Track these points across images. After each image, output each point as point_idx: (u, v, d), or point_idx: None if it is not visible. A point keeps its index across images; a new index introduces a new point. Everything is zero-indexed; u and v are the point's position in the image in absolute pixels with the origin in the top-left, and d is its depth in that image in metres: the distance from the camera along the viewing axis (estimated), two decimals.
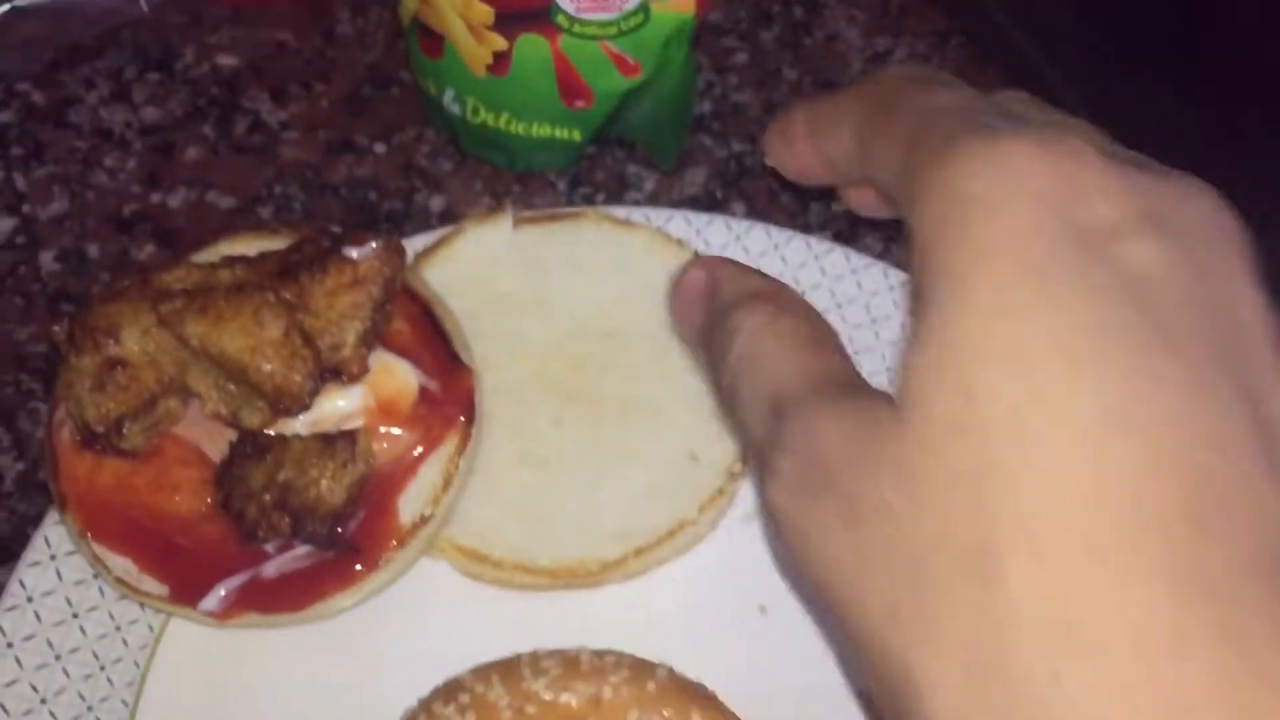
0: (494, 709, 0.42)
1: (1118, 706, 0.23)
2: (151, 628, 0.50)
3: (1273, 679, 0.22)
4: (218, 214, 0.64)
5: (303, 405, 0.47)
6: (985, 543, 0.24)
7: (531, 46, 0.60)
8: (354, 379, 0.48)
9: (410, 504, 0.48)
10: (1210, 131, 0.61)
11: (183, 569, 0.47)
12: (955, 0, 0.73)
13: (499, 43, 0.60)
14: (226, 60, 0.70)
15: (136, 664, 0.49)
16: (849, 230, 0.64)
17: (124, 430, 0.48)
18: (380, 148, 0.67)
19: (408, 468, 0.49)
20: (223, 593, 0.47)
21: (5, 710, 0.47)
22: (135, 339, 0.47)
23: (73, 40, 0.69)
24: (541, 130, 0.63)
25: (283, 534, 0.47)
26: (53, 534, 0.50)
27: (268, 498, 0.46)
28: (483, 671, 0.44)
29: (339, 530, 0.47)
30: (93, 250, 0.63)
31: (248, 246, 0.51)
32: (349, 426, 0.48)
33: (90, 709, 0.48)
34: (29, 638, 0.48)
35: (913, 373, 0.26)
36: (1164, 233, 0.26)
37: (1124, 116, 0.65)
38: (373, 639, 0.50)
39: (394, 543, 0.48)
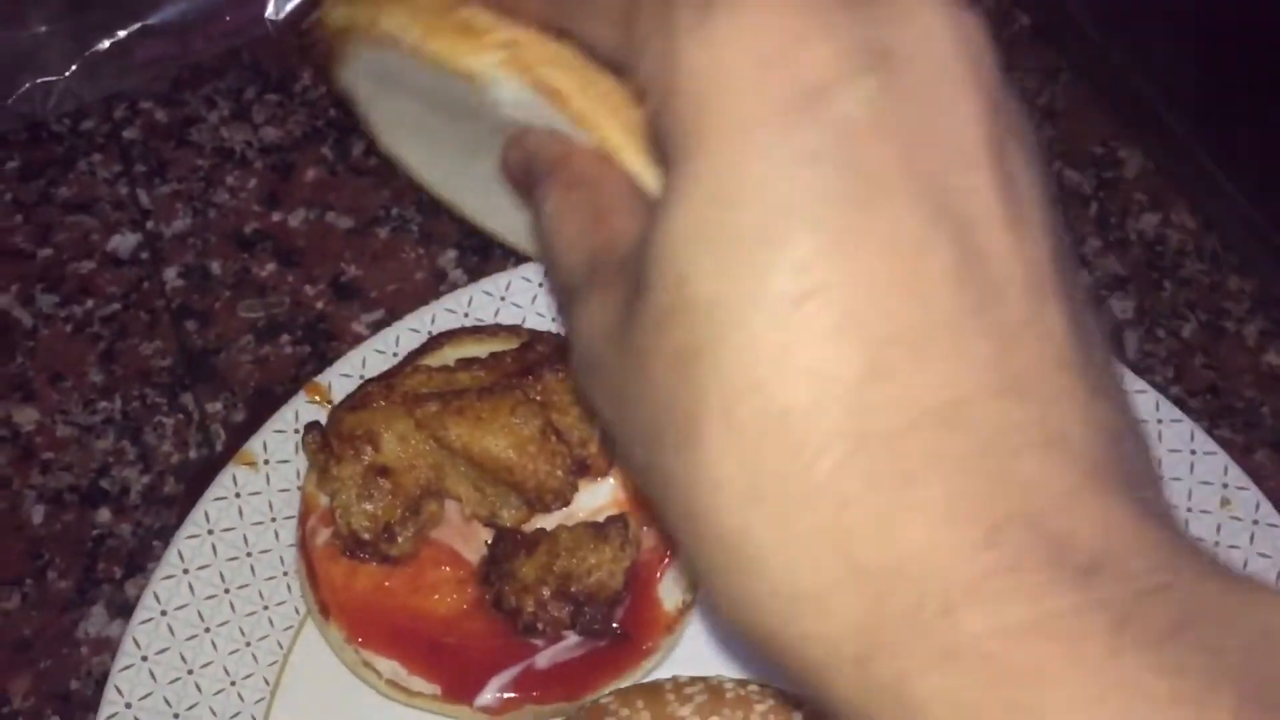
0: None
1: (796, 548, 0.24)
2: (281, 644, 0.50)
3: (928, 514, 0.24)
4: (336, 234, 0.65)
5: (564, 500, 0.49)
6: (692, 418, 0.25)
7: None
8: (602, 473, 0.50)
9: (670, 590, 0.50)
10: None
11: (452, 667, 0.49)
12: (1066, 37, 0.73)
13: None
14: None
15: (266, 680, 0.50)
16: None
17: (395, 536, 0.49)
18: None
19: (663, 556, 0.50)
20: (497, 687, 0.48)
21: (153, 676, 0.48)
22: (394, 445, 0.49)
23: (195, 59, 0.70)
24: None
25: (561, 625, 0.48)
26: (185, 548, 0.51)
27: (546, 590, 0.48)
28: (626, 696, 0.44)
29: (611, 619, 0.49)
30: (215, 267, 0.64)
31: (473, 349, 0.53)
32: (602, 518, 0.49)
33: None
34: (163, 650, 0.49)
35: (646, 256, 0.27)
36: (879, 70, 0.25)
37: (1239, 153, 0.65)
38: None
39: (663, 628, 0.49)
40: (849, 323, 0.24)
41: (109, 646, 0.53)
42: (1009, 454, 0.24)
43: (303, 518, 0.51)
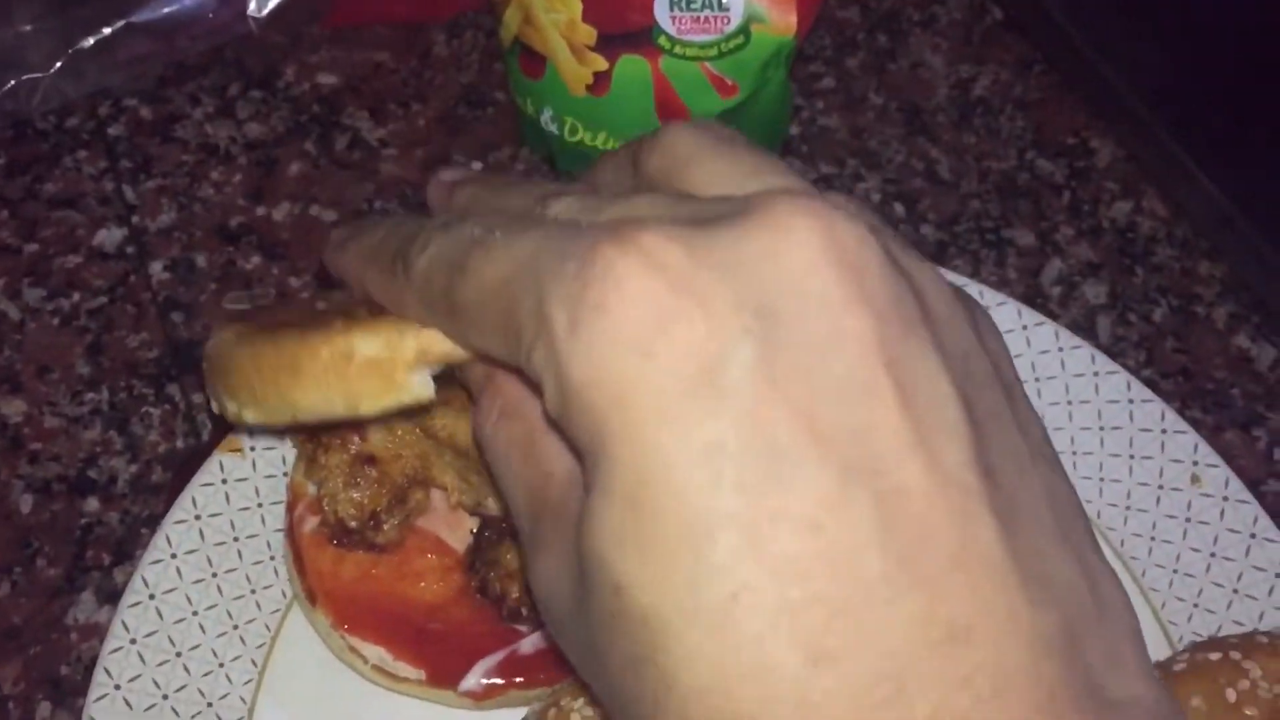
0: None
1: None
2: (268, 628, 0.51)
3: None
4: (320, 227, 0.66)
5: None
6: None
7: (632, 67, 0.61)
8: None
9: None
10: None
11: (438, 653, 0.49)
12: (1039, 29, 0.74)
13: (600, 63, 0.62)
14: (326, 79, 0.72)
15: (254, 663, 0.50)
16: (938, 254, 0.65)
17: (381, 524, 0.49)
18: (477, 165, 0.69)
19: None
20: (481, 673, 0.49)
21: (129, 705, 0.48)
22: (380, 434, 0.49)
23: (179, 57, 0.71)
24: None
25: None
26: (173, 534, 0.51)
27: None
28: None
29: None
30: (201, 260, 0.65)
31: None
32: None
33: (210, 705, 0.49)
34: (151, 633, 0.49)
35: (582, 550, 0.27)
36: (753, 328, 0.25)
37: (1209, 148, 0.66)
38: None
39: None
40: (779, 618, 0.24)
41: (98, 632, 0.53)
42: (953, 716, 0.24)
43: (290, 506, 0.52)
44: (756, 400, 0.24)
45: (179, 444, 0.59)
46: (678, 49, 0.61)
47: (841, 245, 0.26)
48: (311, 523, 0.51)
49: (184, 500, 0.52)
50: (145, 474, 0.58)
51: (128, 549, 0.56)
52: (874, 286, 0.25)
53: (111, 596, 0.54)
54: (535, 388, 0.28)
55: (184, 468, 0.56)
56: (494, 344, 0.29)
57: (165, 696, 0.49)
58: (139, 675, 0.49)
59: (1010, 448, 0.27)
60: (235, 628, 0.51)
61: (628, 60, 0.61)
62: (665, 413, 0.25)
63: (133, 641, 0.49)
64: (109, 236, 0.66)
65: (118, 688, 0.48)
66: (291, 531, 0.51)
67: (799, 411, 0.24)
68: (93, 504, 0.57)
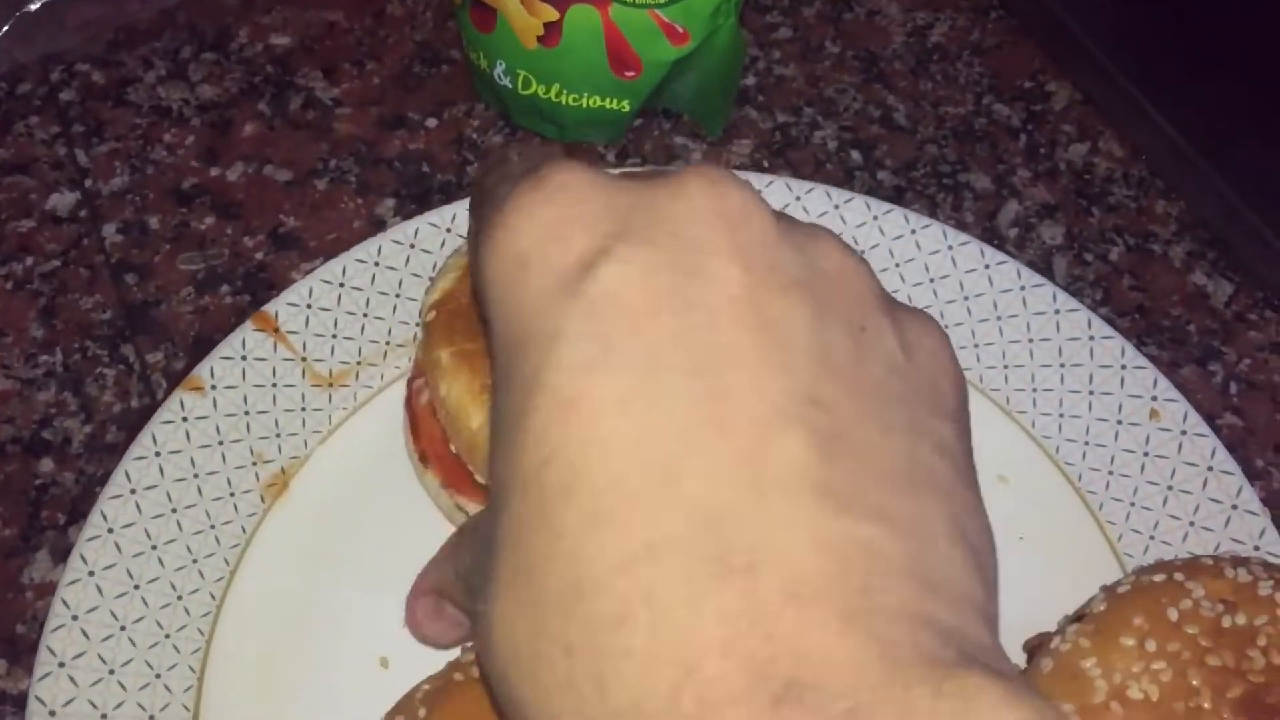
0: None
1: None
2: (227, 562, 0.51)
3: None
4: (275, 187, 0.66)
5: None
6: (489, 575, 0.28)
7: (582, 17, 0.61)
8: None
9: None
10: (1256, 106, 0.62)
11: None
12: None
13: (550, 14, 0.61)
14: (279, 40, 0.71)
15: (212, 595, 0.50)
16: (895, 199, 0.65)
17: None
18: (432, 123, 0.68)
19: None
20: None
21: (86, 635, 0.48)
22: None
23: (130, 21, 0.71)
24: (591, 102, 0.64)
25: None
26: (133, 469, 0.52)
27: None
28: None
29: None
30: (154, 222, 0.64)
31: None
32: None
33: (168, 637, 0.49)
34: (110, 567, 0.50)
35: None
36: (637, 244, 0.27)
37: (1165, 88, 0.66)
38: None
39: None
40: (570, 481, 0.26)
41: (53, 591, 0.53)
42: (707, 584, 0.24)
43: (411, 378, 0.54)
44: (600, 305, 0.27)
45: (133, 404, 0.58)
46: None
47: (727, 202, 0.28)
48: (426, 396, 0.52)
49: (143, 437, 0.52)
50: (99, 434, 0.58)
51: (83, 509, 0.55)
52: (750, 240, 0.28)
53: (67, 556, 0.54)
54: None
55: (139, 428, 0.55)
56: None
57: (123, 627, 0.49)
58: (96, 607, 0.49)
59: (869, 418, 0.27)
60: (194, 561, 0.51)
61: (578, 10, 0.61)
62: (529, 311, 0.28)
63: (90, 574, 0.49)
64: (61, 200, 0.65)
65: (75, 618, 0.48)
66: (411, 401, 0.53)
67: (641, 319, 0.27)
68: (47, 464, 0.57)
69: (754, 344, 0.26)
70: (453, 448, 0.51)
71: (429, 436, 0.52)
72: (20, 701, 0.50)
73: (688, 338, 0.26)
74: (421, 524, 0.53)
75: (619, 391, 0.26)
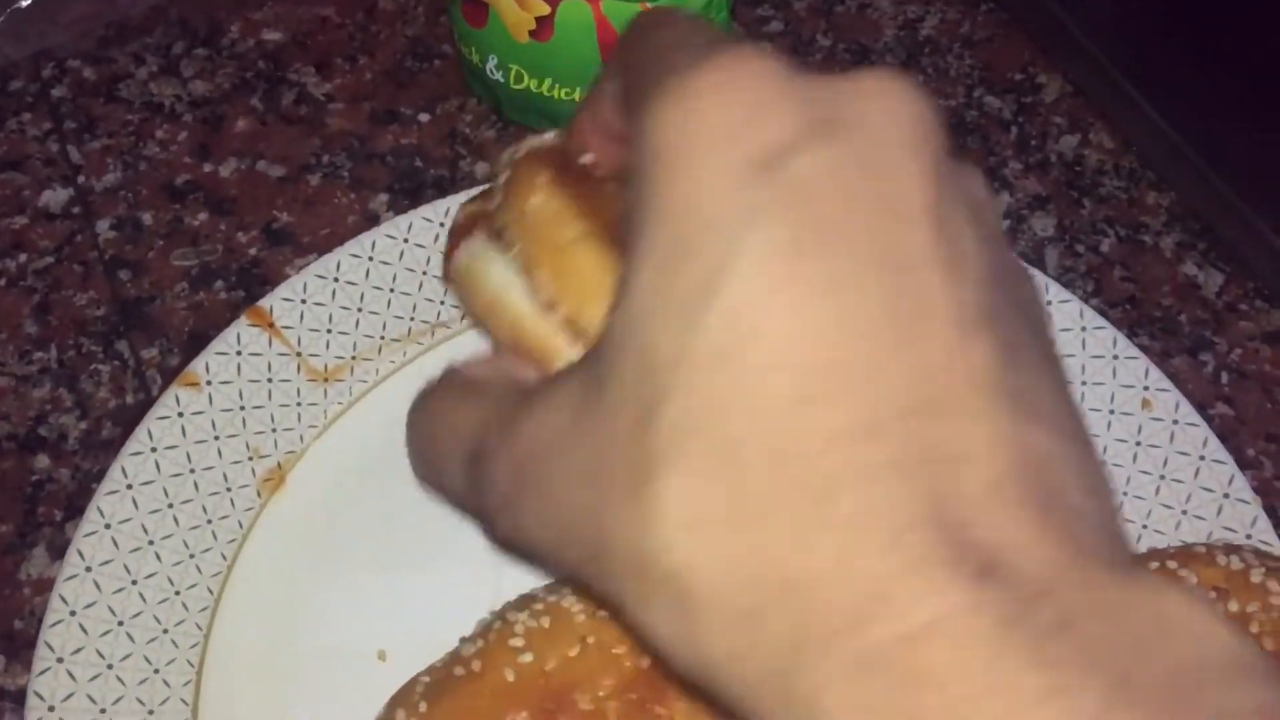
0: (567, 614, 0.43)
1: (731, 570, 0.25)
2: (225, 557, 0.51)
3: (838, 527, 0.25)
4: (268, 182, 0.66)
5: None
6: (647, 464, 0.26)
7: (574, 11, 0.61)
8: None
9: None
10: (1246, 97, 0.62)
11: None
12: None
13: (542, 8, 0.61)
14: (271, 35, 0.71)
15: (210, 590, 0.51)
16: None
17: None
18: (425, 117, 0.68)
19: None
20: None
21: (84, 630, 0.48)
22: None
23: (122, 17, 0.71)
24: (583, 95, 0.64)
25: None
26: (129, 465, 0.52)
27: None
28: (554, 585, 0.46)
29: None
30: (147, 218, 0.64)
31: None
32: None
33: (166, 631, 0.49)
34: (107, 562, 0.50)
35: (608, 340, 0.28)
36: (832, 138, 0.27)
37: (1156, 80, 0.66)
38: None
39: None
40: (777, 360, 0.25)
41: (51, 587, 0.53)
42: (915, 467, 0.25)
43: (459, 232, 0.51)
44: (812, 187, 0.26)
45: (129, 400, 0.59)
46: None
47: (919, 109, 0.28)
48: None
49: (139, 433, 0.52)
50: (95, 430, 0.58)
51: (79, 505, 0.55)
52: (932, 152, 0.28)
53: (64, 552, 0.54)
54: None
55: (134, 424, 0.55)
56: (620, 87, 0.33)
57: (121, 623, 0.49)
58: (94, 602, 0.49)
59: (1023, 336, 0.29)
60: (191, 557, 0.51)
61: (570, 4, 0.61)
62: (721, 184, 0.27)
63: (88, 569, 0.49)
64: (54, 197, 0.65)
65: (73, 614, 0.49)
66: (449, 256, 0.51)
67: (844, 207, 0.27)
68: (43, 461, 0.57)
69: (944, 253, 0.27)
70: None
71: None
72: (19, 697, 0.50)
73: (882, 236, 0.27)
74: (419, 517, 0.54)
75: (823, 277, 0.26)
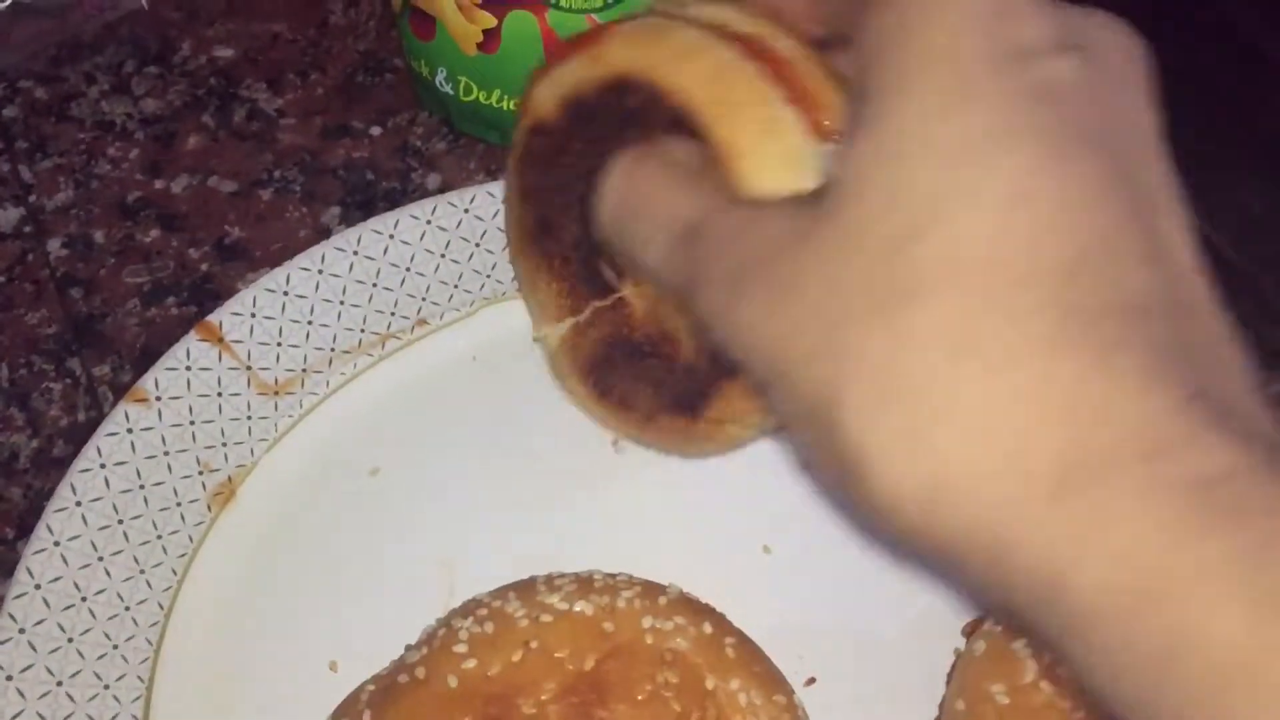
0: (511, 619, 0.43)
1: (1005, 394, 0.27)
2: (175, 572, 0.51)
3: (1129, 376, 0.27)
4: (220, 198, 0.66)
5: None
6: (896, 291, 0.28)
7: (520, 23, 0.62)
8: None
9: None
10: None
11: None
12: None
13: (488, 20, 0.62)
14: (223, 52, 0.72)
15: (160, 605, 0.51)
16: None
17: None
18: (376, 130, 0.69)
19: None
20: None
21: (34, 648, 0.48)
22: None
23: (73, 36, 0.71)
24: None
25: None
26: (78, 482, 0.52)
27: None
28: (499, 591, 0.46)
29: None
30: (99, 236, 0.65)
31: None
32: None
33: (116, 648, 0.49)
34: (56, 579, 0.50)
35: (848, 166, 0.30)
36: (1079, 53, 0.30)
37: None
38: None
39: None
40: (1057, 223, 0.27)
41: (3, 606, 0.53)
42: (1190, 350, 0.27)
43: None
44: (1068, 89, 0.29)
45: (80, 418, 0.59)
46: (564, 2, 0.61)
47: (1143, 53, 0.32)
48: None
49: (88, 450, 0.52)
50: (47, 449, 0.58)
51: (30, 524, 0.55)
52: (1150, 88, 0.31)
53: (14, 570, 0.54)
54: None
55: (86, 442, 0.56)
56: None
57: (70, 640, 0.49)
58: (43, 620, 0.49)
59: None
60: (141, 572, 0.51)
61: (515, 16, 0.61)
62: (990, 60, 0.29)
63: (37, 587, 0.49)
64: (5, 216, 0.65)
65: (22, 631, 0.48)
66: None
67: (1097, 116, 0.29)
68: None
69: (1170, 187, 0.30)
70: None
71: None
72: None
73: (1127, 154, 0.29)
74: (368, 529, 0.54)
75: (1088, 167, 0.28)
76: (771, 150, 0.36)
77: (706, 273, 0.32)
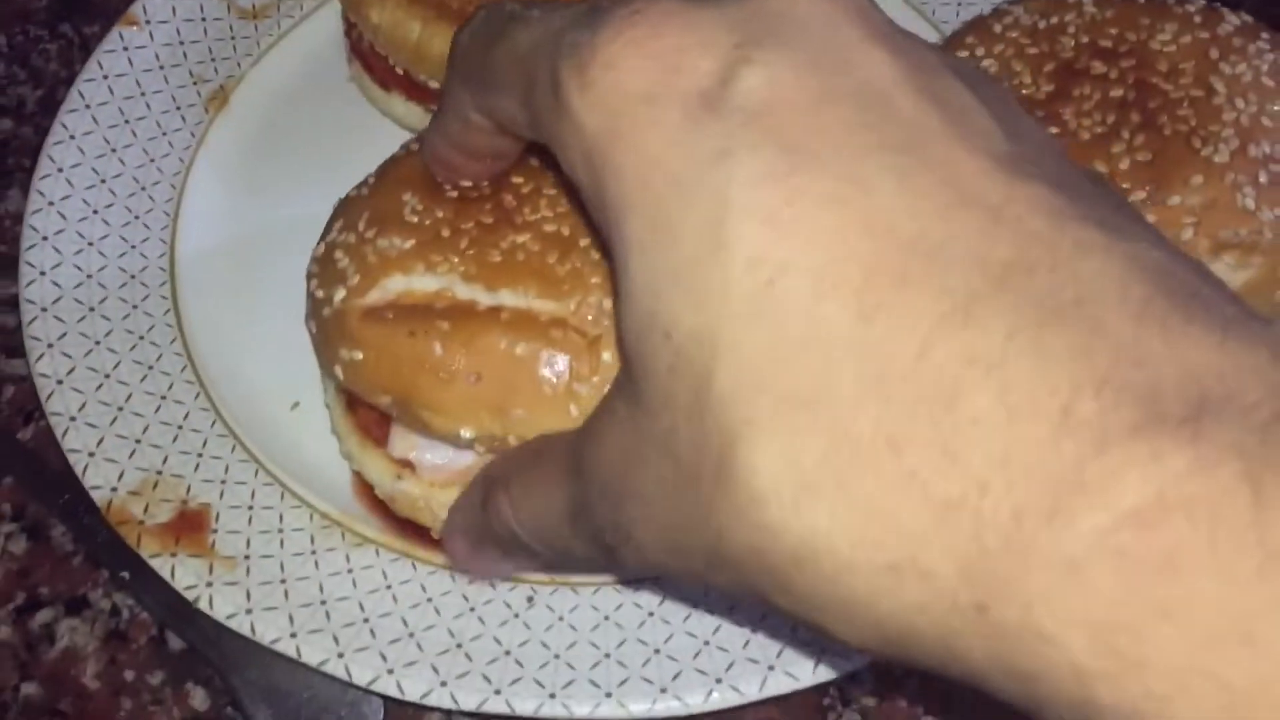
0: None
1: (869, 519, 0.23)
2: (181, 160, 0.57)
3: (987, 423, 0.22)
4: None
5: None
6: (724, 442, 0.24)
7: None
8: None
9: None
10: None
11: None
12: None
13: None
14: None
15: (173, 186, 0.56)
16: None
17: None
18: None
19: None
20: None
21: (64, 217, 0.54)
22: None
23: None
24: None
25: None
26: (85, 89, 0.57)
27: None
28: None
29: None
30: None
31: None
32: None
33: (138, 218, 0.55)
34: (76, 165, 0.56)
35: (625, 343, 0.27)
36: (762, 52, 0.25)
37: None
38: None
39: None
40: (820, 285, 0.23)
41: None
42: (1038, 331, 0.22)
43: (348, 30, 0.59)
44: (760, 112, 0.25)
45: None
46: None
47: (852, 7, 0.27)
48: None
49: (90, 63, 0.58)
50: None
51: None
52: (882, 28, 0.27)
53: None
54: None
55: None
56: (513, 106, 0.31)
57: (95, 211, 0.55)
58: (68, 195, 0.55)
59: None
60: (151, 160, 0.57)
61: None
62: (672, 143, 0.25)
63: (59, 170, 0.55)
64: None
65: (51, 204, 0.54)
66: (356, 47, 0.60)
67: (809, 113, 0.25)
68: (6, 124, 0.62)
69: (941, 116, 0.25)
70: (398, 68, 0.57)
71: (379, 69, 0.58)
72: (12, 303, 0.56)
73: (871, 122, 0.24)
74: (349, 125, 0.59)
75: (829, 185, 0.24)
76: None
77: (608, 538, 0.29)
